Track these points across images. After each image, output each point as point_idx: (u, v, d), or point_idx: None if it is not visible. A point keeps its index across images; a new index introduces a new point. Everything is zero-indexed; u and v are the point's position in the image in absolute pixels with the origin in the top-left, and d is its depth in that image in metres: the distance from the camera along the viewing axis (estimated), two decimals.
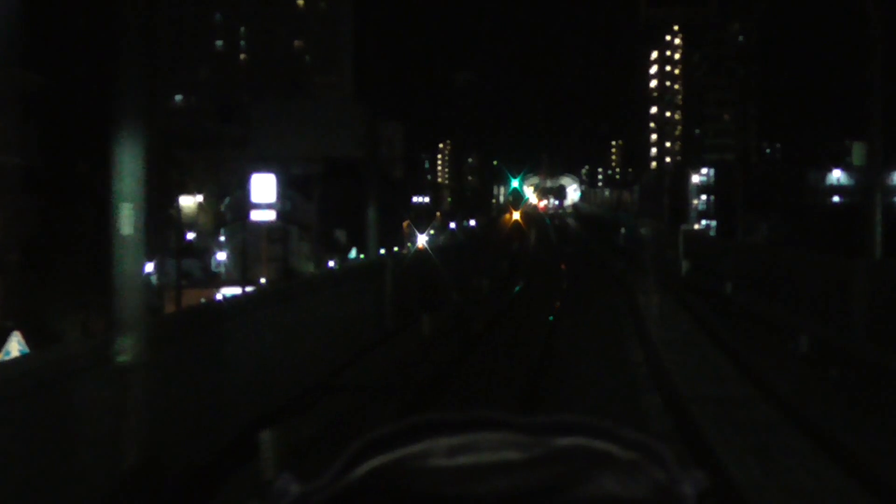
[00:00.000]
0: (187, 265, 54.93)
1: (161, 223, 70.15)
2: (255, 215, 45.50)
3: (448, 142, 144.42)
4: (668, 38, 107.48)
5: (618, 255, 43.74)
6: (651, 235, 44.10)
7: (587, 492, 0.76)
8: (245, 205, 48.46)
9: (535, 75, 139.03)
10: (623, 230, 53.68)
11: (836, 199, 61.88)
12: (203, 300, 47.67)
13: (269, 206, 45.08)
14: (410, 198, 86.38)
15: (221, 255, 54.87)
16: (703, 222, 66.38)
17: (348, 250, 62.60)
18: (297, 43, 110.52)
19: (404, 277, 22.94)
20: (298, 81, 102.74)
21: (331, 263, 56.48)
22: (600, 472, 0.76)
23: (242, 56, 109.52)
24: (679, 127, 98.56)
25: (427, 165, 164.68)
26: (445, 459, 0.76)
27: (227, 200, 66.20)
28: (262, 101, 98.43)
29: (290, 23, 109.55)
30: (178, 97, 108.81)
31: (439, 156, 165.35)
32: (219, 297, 48.19)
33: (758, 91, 75.38)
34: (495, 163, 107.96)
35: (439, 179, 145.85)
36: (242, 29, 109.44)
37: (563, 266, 37.59)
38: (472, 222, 62.19)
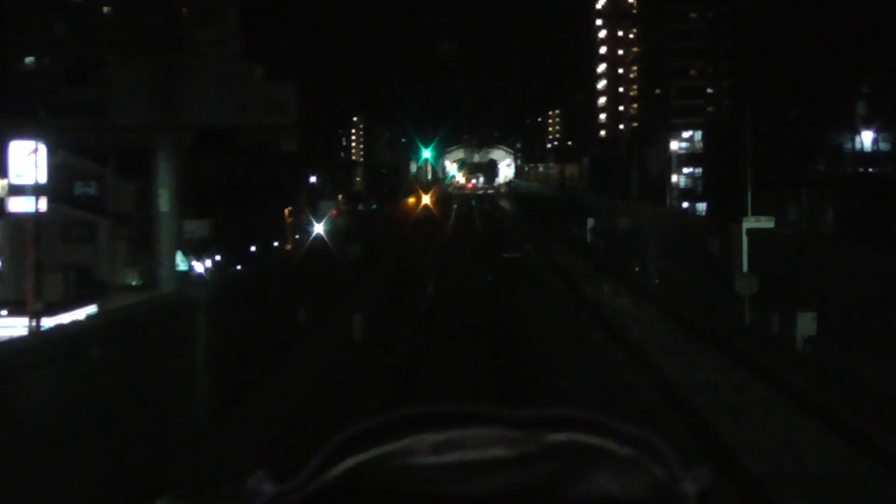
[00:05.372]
0: None
1: None
2: (15, 204, 30.03)
3: (364, 114, 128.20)
4: None
5: (601, 273, 26.14)
6: (645, 231, 27.84)
7: (581, 491, 0.72)
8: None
9: (462, 31, 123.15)
10: (591, 221, 37.28)
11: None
12: None
13: (34, 190, 29.48)
14: (307, 177, 69.69)
15: None
16: (685, 204, 50.68)
17: (206, 249, 45.63)
18: None
19: None
20: (173, 38, 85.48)
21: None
22: (595, 469, 0.72)
23: (106, 9, 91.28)
24: (635, 86, 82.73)
25: (345, 142, 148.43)
26: (430, 457, 0.71)
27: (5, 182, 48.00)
28: (122, 60, 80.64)
29: None
30: (30, 59, 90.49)
31: (354, 130, 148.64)
32: None
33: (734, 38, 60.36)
34: (387, 134, 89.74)
35: (353, 156, 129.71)
36: None
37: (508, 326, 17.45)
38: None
